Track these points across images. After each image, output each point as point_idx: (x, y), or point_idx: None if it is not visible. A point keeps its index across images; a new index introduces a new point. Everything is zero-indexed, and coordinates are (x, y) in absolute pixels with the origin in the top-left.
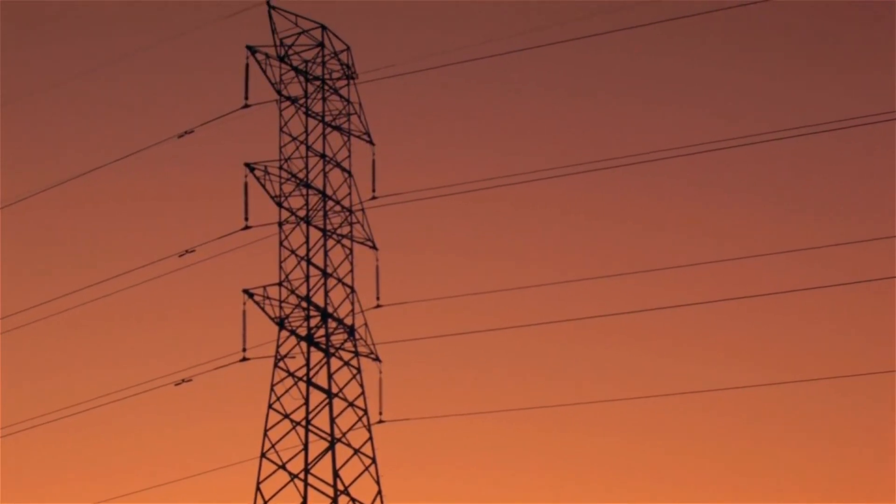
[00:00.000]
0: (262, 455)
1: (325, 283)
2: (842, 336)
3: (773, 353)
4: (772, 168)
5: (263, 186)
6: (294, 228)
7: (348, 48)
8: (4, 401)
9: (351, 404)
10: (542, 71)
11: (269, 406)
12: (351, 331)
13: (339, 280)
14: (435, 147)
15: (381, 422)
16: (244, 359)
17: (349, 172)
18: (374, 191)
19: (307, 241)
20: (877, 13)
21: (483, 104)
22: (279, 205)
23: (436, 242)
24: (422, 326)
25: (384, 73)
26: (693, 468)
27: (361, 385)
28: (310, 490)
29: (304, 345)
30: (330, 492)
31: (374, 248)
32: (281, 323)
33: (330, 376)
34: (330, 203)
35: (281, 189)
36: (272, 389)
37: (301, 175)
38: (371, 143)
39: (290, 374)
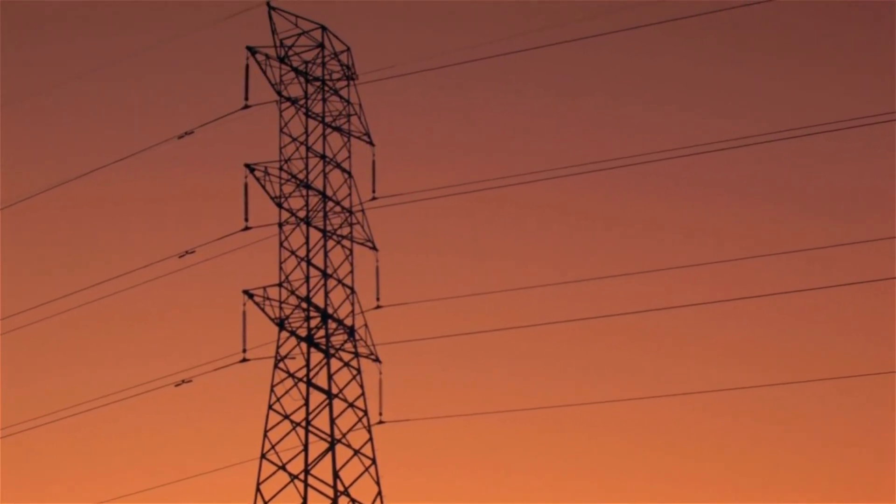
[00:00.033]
0: (263, 456)
1: (325, 284)
2: (842, 337)
3: (773, 354)
4: (772, 169)
5: (263, 187)
6: (294, 229)
7: (348, 49)
8: (5, 401)
9: (351, 405)
10: (542, 72)
11: (269, 407)
12: (351, 331)
13: (340, 281)
14: (435, 148)
15: (381, 422)
16: (244, 359)
17: (349, 173)
18: (374, 191)
19: (307, 242)
20: (877, 13)
21: (483, 105)
22: (279, 206)
23: (436, 243)
24: (422, 327)
25: (384, 74)
26: (693, 468)
27: (361, 386)
28: (310, 491)
29: (304, 345)
30: (330, 493)
31: (374, 248)
32: (281, 324)
33: (330, 377)
34: (330, 204)
35: (281, 190)
36: (272, 390)
37: (301, 176)
38: (371, 143)
39: (291, 375)
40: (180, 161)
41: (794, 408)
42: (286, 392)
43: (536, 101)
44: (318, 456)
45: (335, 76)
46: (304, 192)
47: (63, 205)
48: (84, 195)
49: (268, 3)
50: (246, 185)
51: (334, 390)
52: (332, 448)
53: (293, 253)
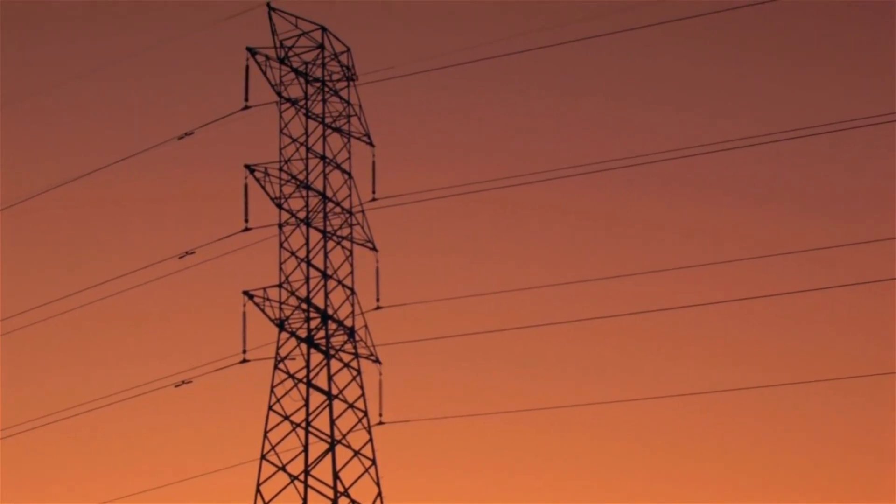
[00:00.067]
0: (263, 457)
1: (325, 285)
2: (842, 337)
3: (773, 355)
4: (772, 169)
5: (263, 188)
6: (294, 230)
7: (348, 50)
8: (5, 402)
9: (351, 406)
10: (542, 72)
11: (269, 408)
12: (351, 332)
13: (339, 282)
14: (435, 148)
15: (381, 423)
16: (244, 360)
17: (349, 174)
18: (374, 192)
19: (307, 243)
20: (877, 14)
21: (483, 106)
22: (279, 206)
23: (436, 244)
24: (422, 328)
25: (384, 75)
26: (693, 469)
27: (361, 387)
28: (310, 492)
29: (304, 346)
30: (330, 493)
31: (374, 249)
32: (281, 324)
33: (330, 378)
34: (330, 205)
35: (281, 191)
36: (272, 391)
37: (301, 177)
38: (371, 144)
39: (291, 376)
40: (180, 162)
41: (794, 408)
42: (286, 393)
43: (536, 102)
44: (319, 457)
45: (335, 77)
46: (304, 192)
47: (63, 205)
48: (84, 196)
49: (268, 4)
50: (246, 186)
51: (334, 391)
52: (332, 449)
53: (293, 254)
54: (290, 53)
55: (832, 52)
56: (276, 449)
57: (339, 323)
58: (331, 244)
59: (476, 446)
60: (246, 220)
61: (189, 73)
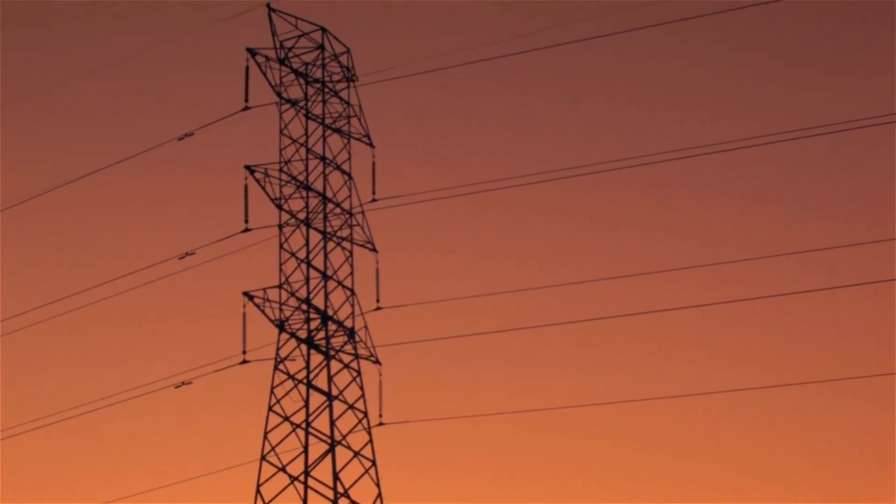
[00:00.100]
0: (263, 457)
1: (325, 286)
2: (842, 338)
3: (773, 355)
4: (773, 170)
5: (263, 189)
6: (294, 231)
7: (348, 50)
8: (5, 402)
9: (351, 407)
10: (542, 73)
11: (270, 408)
12: (351, 333)
13: (339, 283)
14: (435, 149)
15: (381, 424)
16: (244, 361)
17: (349, 175)
18: (374, 193)
19: (307, 244)
20: (877, 14)
21: (483, 106)
22: (279, 207)
23: (436, 245)
24: (422, 329)
25: (384, 76)
26: (694, 469)
27: (361, 387)
28: (310, 492)
29: (304, 347)
30: (330, 494)
31: (374, 250)
32: (281, 325)
33: (330, 379)
34: (330, 205)
35: (281, 191)
36: (272, 392)
37: (301, 177)
38: (371, 145)
39: (291, 377)
40: (180, 163)
41: (794, 409)
42: (286, 394)
43: (537, 103)
44: (319, 457)
45: (335, 78)
46: (304, 193)
47: (63, 206)
48: (84, 196)
49: (268, 5)
50: (246, 187)
51: (334, 392)
52: (332, 450)
53: (293, 254)
54: (290, 54)
55: (832, 52)
56: (277, 450)
57: (339, 324)
58: (331, 245)
59: (476, 447)
60: (246, 221)
61: (189, 73)
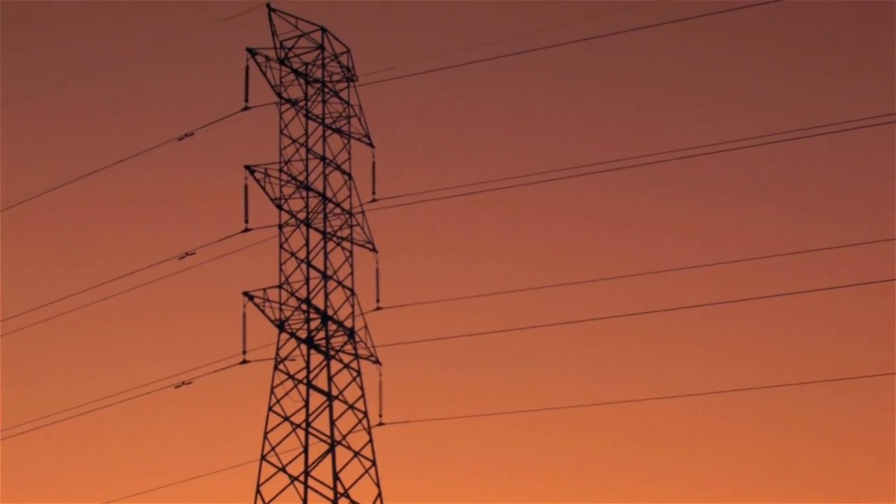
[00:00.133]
0: (263, 457)
1: (325, 286)
2: (842, 338)
3: (773, 356)
4: (773, 170)
5: (263, 189)
6: (294, 231)
7: (348, 50)
8: (5, 402)
9: (351, 407)
10: (542, 73)
11: (270, 408)
12: (351, 333)
13: (339, 283)
14: (435, 149)
15: (381, 424)
16: (244, 361)
17: (349, 175)
18: (374, 193)
19: (307, 244)
20: (877, 14)
21: (483, 106)
22: (279, 207)
23: (436, 245)
24: (422, 329)
25: (384, 76)
26: (694, 469)
27: (361, 387)
28: (310, 492)
29: (304, 347)
30: (330, 494)
31: (374, 250)
32: (281, 325)
33: (330, 379)
34: (330, 205)
35: (281, 191)
36: (272, 392)
37: (301, 177)
38: (371, 145)
39: (291, 377)
40: (180, 163)
41: (794, 409)
42: (286, 394)
43: (537, 103)
44: (319, 458)
45: (335, 78)
46: (304, 193)
47: (63, 206)
48: (84, 196)
49: (268, 5)
50: (246, 187)
51: (334, 392)
52: (332, 450)
53: (293, 254)
54: (290, 54)
55: (832, 52)
56: (277, 450)
57: (339, 324)
58: (331, 245)
59: (476, 447)
60: (246, 221)
61: (189, 73)
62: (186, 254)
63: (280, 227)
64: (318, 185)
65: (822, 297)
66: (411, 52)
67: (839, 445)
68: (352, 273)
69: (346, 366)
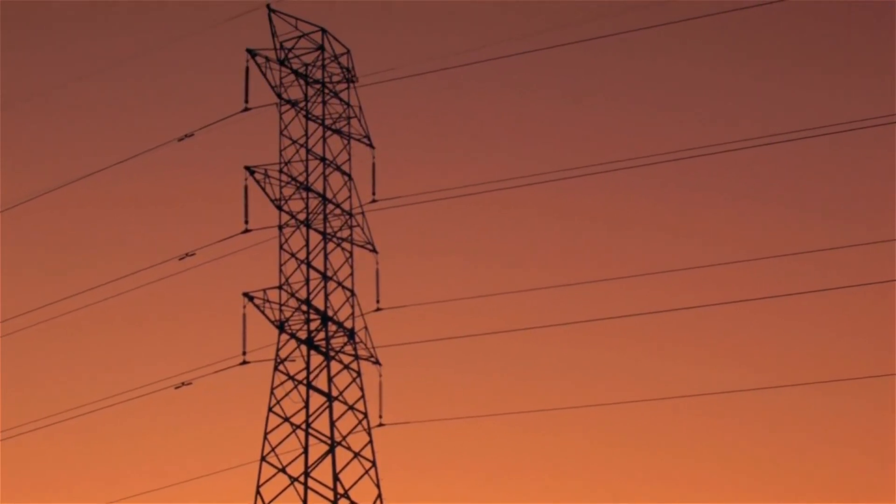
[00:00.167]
0: (263, 458)
1: (325, 287)
2: (842, 339)
3: (773, 356)
4: (773, 171)
5: (263, 190)
6: (294, 232)
7: (348, 51)
8: (5, 403)
9: (351, 408)
10: (542, 74)
11: (269, 409)
12: (351, 334)
13: (339, 283)
14: (435, 150)
15: (381, 425)
16: (244, 362)
17: (349, 176)
18: (374, 194)
19: (307, 245)
20: (877, 14)
21: (483, 107)
22: (279, 208)
23: (436, 246)
24: (422, 329)
25: (384, 77)
26: (694, 470)
27: (361, 388)
28: (310, 493)
29: (304, 348)
30: (330, 495)
31: (374, 251)
32: (281, 326)
33: (330, 380)
34: (330, 206)
35: (281, 192)
36: (272, 393)
37: (301, 178)
38: (371, 146)
39: (290, 378)
40: (180, 163)
41: (794, 409)
42: (286, 395)
43: (537, 104)
44: (318, 458)
45: (335, 79)
46: (304, 194)
47: (63, 207)
48: (84, 197)
49: (268, 6)
50: (246, 188)
51: (334, 393)
52: (332, 450)
53: (293, 255)
54: (290, 55)
55: (833, 53)
56: (277, 450)
57: (339, 324)
58: (331, 246)
59: (476, 448)
60: (246, 222)
61: (189, 74)
62: (186, 254)
63: (280, 227)
64: (318, 186)
65: (822, 298)
66: (411, 53)
67: (839, 446)
68: (352, 274)
69: (346, 366)
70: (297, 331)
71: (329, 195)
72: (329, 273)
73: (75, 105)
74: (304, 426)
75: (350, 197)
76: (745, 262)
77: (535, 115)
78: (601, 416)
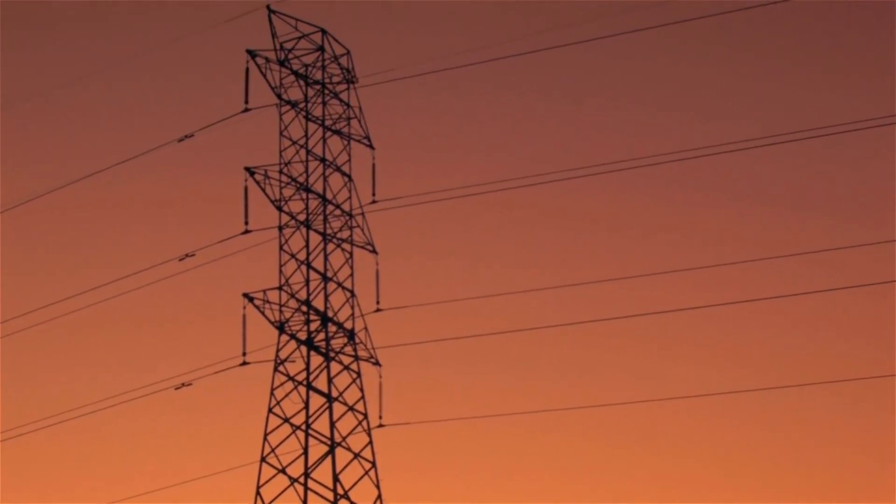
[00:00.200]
0: (262, 459)
1: (325, 287)
2: (842, 340)
3: (773, 357)
4: (773, 172)
5: (263, 190)
6: (294, 232)
7: (348, 52)
8: (5, 404)
9: (351, 408)
10: (542, 75)
11: (269, 410)
12: (351, 335)
13: (339, 284)
14: (435, 151)
15: (380, 426)
16: (244, 363)
17: (349, 176)
18: (374, 195)
19: (307, 245)
20: (877, 15)
21: (483, 108)
22: (279, 209)
23: (436, 246)
24: (422, 330)
25: (384, 77)
26: (694, 470)
27: (361, 389)
28: (310, 494)
29: (304, 349)
30: (330, 496)
31: (373, 252)
32: (281, 327)
33: (330, 380)
34: (330, 207)
35: (281, 193)
36: (272, 393)
37: (301, 179)
38: (371, 147)
39: (290, 378)
40: (180, 164)
41: (794, 410)
42: (286, 395)
43: (537, 105)
44: (318, 459)
45: (335, 79)
46: (304, 195)
47: (64, 207)
48: (84, 198)
49: (268, 7)
50: (246, 189)
51: (334, 394)
52: (331, 451)
53: (293, 256)
54: (290, 56)
55: (833, 53)
56: (276, 451)
57: (339, 325)
58: (331, 246)
59: (476, 449)
60: (246, 223)
61: (189, 75)
62: (187, 255)
63: (280, 228)
64: (318, 187)
65: (822, 299)
66: (411, 54)
67: (839, 446)
68: (352, 275)
69: (346, 367)
70: (297, 331)
71: (329, 196)
72: (329, 274)
73: (76, 105)
74: (304, 427)
75: (350, 198)
76: (745, 263)
77: (535, 116)
78: (602, 416)
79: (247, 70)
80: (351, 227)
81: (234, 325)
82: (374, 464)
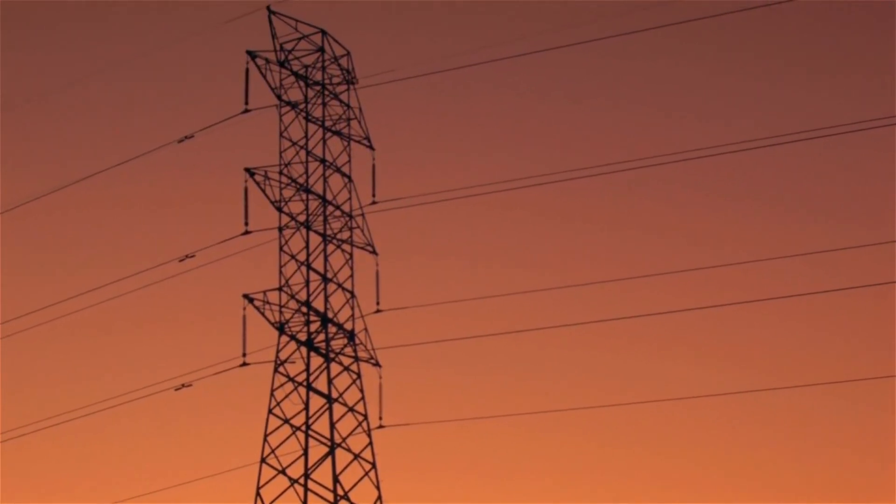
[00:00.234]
0: (262, 460)
1: (325, 288)
2: (843, 341)
3: (773, 358)
4: (773, 172)
5: (263, 191)
6: (294, 233)
7: (348, 53)
8: (5, 404)
9: (351, 409)
10: (542, 75)
11: (269, 411)
12: (351, 336)
13: (339, 285)
14: (435, 152)
15: (381, 427)
16: (244, 364)
17: (349, 177)
18: (374, 196)
19: (307, 246)
20: (877, 16)
21: (483, 109)
22: (279, 210)
23: (436, 247)
24: (422, 331)
25: (384, 78)
26: (694, 471)
27: (361, 390)
28: (310, 495)
29: (304, 350)
30: (330, 497)
31: (373, 252)
32: (281, 328)
33: (330, 381)
34: (330, 208)
35: (281, 194)
36: (272, 394)
37: (301, 180)
38: (371, 148)
39: (290, 379)
40: (180, 165)
41: (795, 411)
42: (286, 396)
43: (537, 105)
44: (318, 460)
45: (335, 80)
46: (304, 196)
47: (64, 208)
48: (84, 199)
49: (268, 7)
50: (246, 190)
51: (334, 394)
52: (331, 452)
53: (293, 257)
54: (290, 57)
55: (833, 53)
56: (276, 452)
57: (339, 326)
58: (331, 247)
59: (476, 449)
60: (246, 224)
61: (189, 76)
62: (187, 256)
63: (280, 229)
64: (318, 188)
65: (822, 300)
66: (411, 55)
67: (839, 446)
68: (352, 275)
69: (346, 368)
70: (297, 332)
71: (329, 197)
72: (329, 275)
73: (76, 106)
74: (304, 428)
75: (350, 198)
76: (745, 264)
77: (535, 117)
78: (602, 417)
79: (247, 71)
80: (351, 228)
81: (235, 326)
82: (374, 465)
